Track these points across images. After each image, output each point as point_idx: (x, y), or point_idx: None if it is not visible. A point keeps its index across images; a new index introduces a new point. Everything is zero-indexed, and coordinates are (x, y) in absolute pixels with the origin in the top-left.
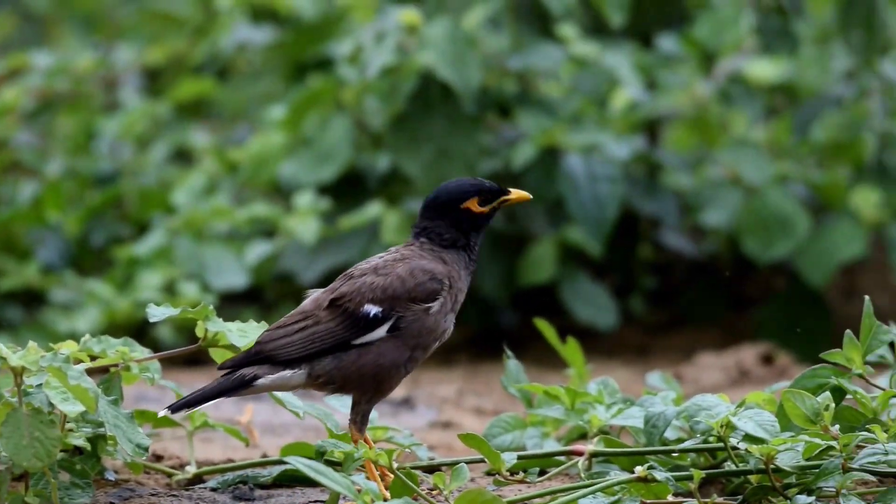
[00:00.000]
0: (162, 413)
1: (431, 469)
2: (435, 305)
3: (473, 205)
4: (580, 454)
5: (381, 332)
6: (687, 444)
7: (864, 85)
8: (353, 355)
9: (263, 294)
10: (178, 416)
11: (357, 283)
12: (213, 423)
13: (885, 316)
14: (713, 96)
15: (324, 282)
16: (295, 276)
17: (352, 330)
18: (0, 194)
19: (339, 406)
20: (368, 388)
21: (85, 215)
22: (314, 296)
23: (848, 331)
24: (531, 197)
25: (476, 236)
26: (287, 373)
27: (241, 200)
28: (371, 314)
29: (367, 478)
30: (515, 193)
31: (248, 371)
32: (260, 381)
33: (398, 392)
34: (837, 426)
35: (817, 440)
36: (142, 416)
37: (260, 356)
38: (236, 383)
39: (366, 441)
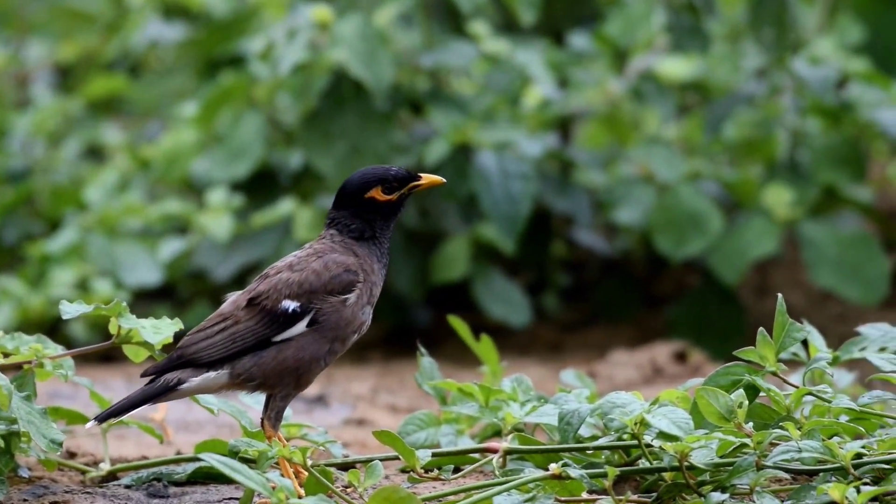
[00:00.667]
0: (90, 425)
1: (346, 466)
2: (351, 297)
3: (378, 193)
4: (494, 451)
5: (301, 326)
6: (601, 442)
7: (776, 83)
8: (273, 351)
9: (177, 291)
10: (104, 426)
11: (273, 281)
12: (127, 421)
13: (797, 313)
14: (625, 94)
15: (237, 278)
16: (208, 272)
17: (271, 327)
18: None
19: (254, 403)
20: (288, 383)
21: None
22: (232, 298)
23: (761, 328)
24: (444, 181)
25: (384, 226)
26: (211, 374)
27: (153, 197)
28: (290, 309)
29: (282, 475)
30: (427, 178)
31: (171, 376)
32: (185, 386)
33: (312, 389)
34: (751, 424)
35: (731, 437)
36: (55, 413)
37: (182, 360)
38: (161, 389)
39: (279, 438)
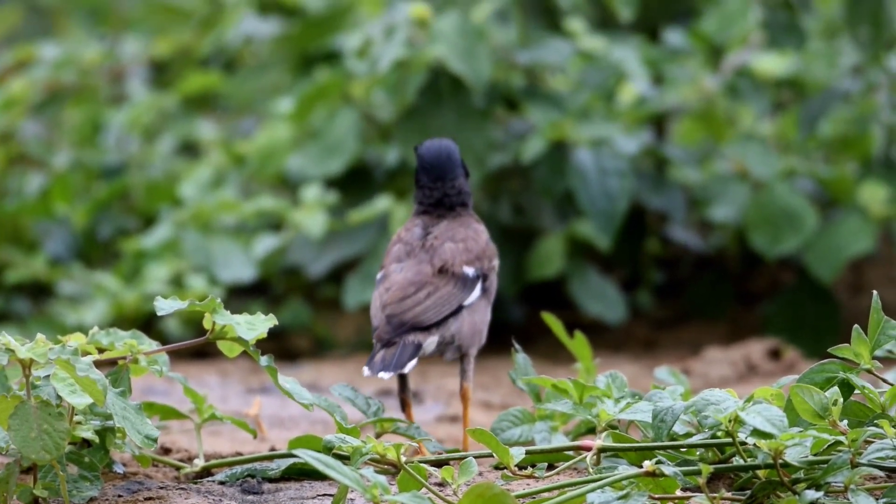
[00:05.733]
0: (366, 373)
1: (440, 463)
2: (496, 262)
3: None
4: (588, 449)
5: (478, 291)
6: (695, 439)
7: (872, 80)
8: (466, 314)
9: (271, 287)
10: (385, 376)
11: (445, 249)
12: (222, 416)
13: (893, 311)
14: (720, 90)
15: (332, 275)
16: (302, 269)
17: (464, 291)
18: (7, 186)
19: (345, 398)
20: (476, 344)
21: (92, 208)
22: (399, 268)
23: (856, 326)
24: None
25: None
26: (432, 338)
27: (248, 193)
28: (471, 275)
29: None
30: None
31: (409, 338)
32: (423, 348)
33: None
34: (846, 421)
35: (825, 435)
36: (150, 409)
37: (405, 327)
38: (413, 350)
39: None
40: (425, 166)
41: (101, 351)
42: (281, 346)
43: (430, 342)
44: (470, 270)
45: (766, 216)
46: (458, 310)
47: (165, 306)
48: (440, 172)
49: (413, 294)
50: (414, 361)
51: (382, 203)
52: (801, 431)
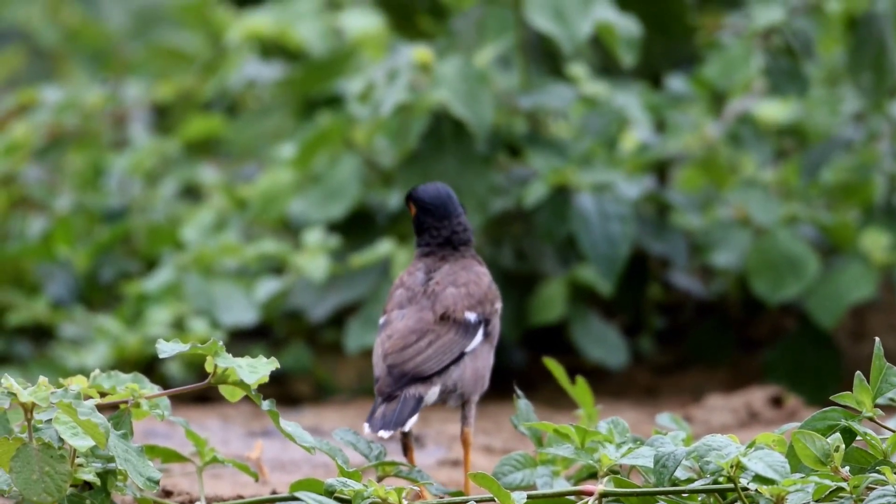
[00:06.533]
0: (368, 432)
1: None
2: (499, 305)
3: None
4: (590, 494)
5: (480, 336)
6: (697, 485)
7: (874, 127)
8: (468, 361)
9: (272, 331)
10: (386, 434)
11: (447, 295)
12: (223, 459)
13: (895, 358)
14: (722, 137)
15: (333, 319)
16: (304, 312)
17: (465, 338)
18: (9, 229)
19: (347, 442)
20: (478, 391)
21: (94, 251)
22: (401, 315)
23: (858, 373)
24: None
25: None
26: (434, 388)
27: (250, 237)
28: (472, 321)
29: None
30: None
31: (412, 391)
32: (425, 400)
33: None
34: (847, 468)
35: (827, 481)
36: (151, 452)
37: (406, 377)
38: (415, 403)
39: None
40: (428, 208)
41: (102, 394)
42: (282, 391)
43: (432, 393)
44: (472, 316)
45: (768, 262)
46: (460, 357)
47: (167, 349)
48: (444, 211)
49: (414, 343)
50: (415, 417)
51: (384, 247)
52: (802, 477)
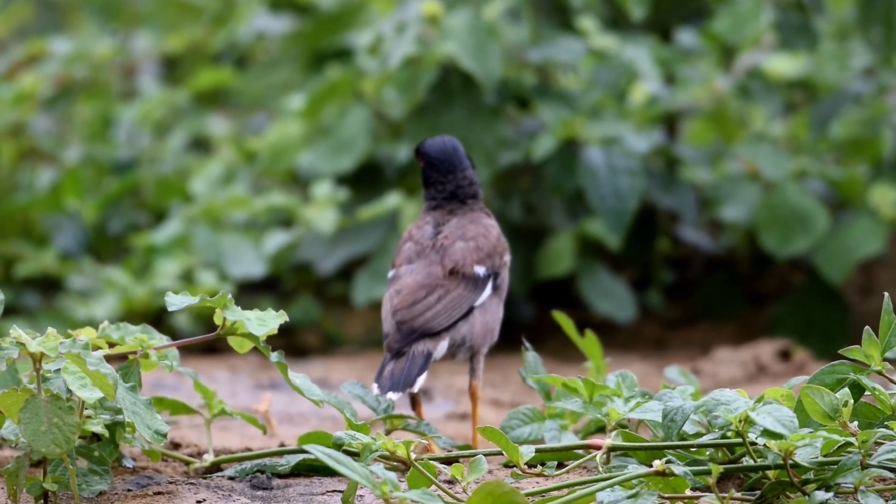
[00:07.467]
0: (390, 396)
1: (449, 461)
2: (508, 257)
3: None
4: (598, 448)
5: (489, 290)
6: (705, 439)
7: (883, 82)
8: (477, 315)
9: (281, 283)
10: (394, 396)
11: (456, 249)
12: (231, 412)
13: None
14: (732, 91)
15: (342, 271)
16: (313, 265)
17: (474, 292)
18: (18, 181)
19: (355, 395)
20: (487, 343)
21: (102, 203)
22: (410, 270)
23: (867, 327)
24: None
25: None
26: (442, 343)
27: (258, 189)
28: (481, 275)
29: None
30: None
31: (420, 347)
32: (434, 356)
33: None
34: (856, 422)
35: (836, 436)
36: (160, 404)
37: (415, 333)
38: (424, 359)
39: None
40: (433, 162)
41: (111, 345)
42: (290, 343)
43: (441, 348)
44: (481, 270)
45: (777, 217)
46: (469, 311)
47: (176, 302)
48: (449, 165)
49: (424, 298)
50: (424, 376)
51: (393, 200)
52: (811, 432)
